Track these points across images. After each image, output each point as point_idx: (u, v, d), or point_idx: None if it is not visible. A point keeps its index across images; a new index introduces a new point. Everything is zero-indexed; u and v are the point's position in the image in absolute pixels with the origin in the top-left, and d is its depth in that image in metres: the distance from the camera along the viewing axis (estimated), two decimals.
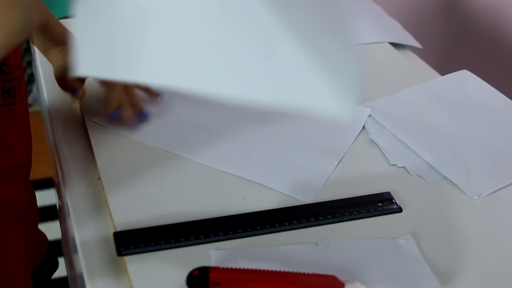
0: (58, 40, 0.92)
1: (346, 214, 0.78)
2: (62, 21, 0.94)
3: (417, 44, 1.25)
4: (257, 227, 0.75)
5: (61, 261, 1.03)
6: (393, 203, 0.80)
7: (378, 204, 0.80)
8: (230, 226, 0.75)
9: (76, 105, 0.99)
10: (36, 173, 1.24)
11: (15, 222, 0.82)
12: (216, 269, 0.67)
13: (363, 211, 0.79)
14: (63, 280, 1.58)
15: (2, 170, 0.76)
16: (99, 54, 0.50)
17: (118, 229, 0.74)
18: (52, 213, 1.90)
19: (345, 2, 0.57)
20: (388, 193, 0.82)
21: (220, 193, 0.81)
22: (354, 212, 0.79)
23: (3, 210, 0.79)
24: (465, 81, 1.08)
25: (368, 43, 1.22)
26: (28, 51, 2.13)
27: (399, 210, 0.80)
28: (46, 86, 1.05)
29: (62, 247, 0.94)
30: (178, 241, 0.73)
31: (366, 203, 0.80)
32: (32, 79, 2.23)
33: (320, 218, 0.77)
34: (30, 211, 0.89)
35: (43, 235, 0.99)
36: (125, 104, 0.90)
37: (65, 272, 1.02)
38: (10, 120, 0.77)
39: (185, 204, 0.79)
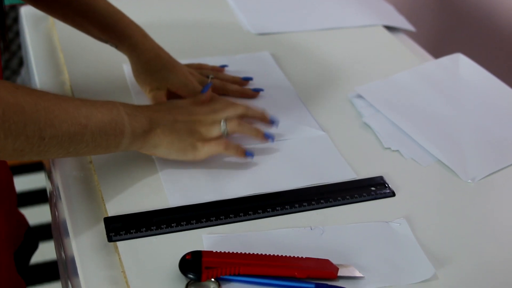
0: (123, 36, 0.92)
1: (339, 198, 0.78)
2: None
3: (410, 27, 1.24)
4: (249, 212, 0.75)
5: (46, 245, 1.02)
6: (386, 187, 0.80)
7: (371, 189, 0.80)
8: (222, 211, 0.75)
9: (67, 87, 0.98)
10: None
11: None
12: (209, 253, 0.66)
13: (356, 196, 0.78)
14: (49, 265, 1.58)
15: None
16: None
17: (110, 214, 0.74)
18: (37, 197, 1.89)
19: None
20: (381, 177, 0.81)
21: (215, 177, 0.81)
22: (347, 197, 0.78)
23: None
24: (459, 64, 1.07)
25: (362, 26, 1.21)
26: (18, 34, 2.11)
27: (392, 194, 0.79)
28: (36, 68, 1.04)
29: (52, 231, 0.94)
30: (169, 226, 0.72)
31: (359, 188, 0.80)
32: (22, 62, 2.21)
33: (313, 202, 0.77)
34: (9, 192, 0.89)
35: (21, 216, 0.99)
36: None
37: (50, 256, 1.01)
38: None
39: (177, 189, 0.78)
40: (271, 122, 0.87)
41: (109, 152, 0.73)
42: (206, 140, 0.79)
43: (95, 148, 0.70)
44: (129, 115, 0.73)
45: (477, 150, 0.88)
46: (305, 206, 0.76)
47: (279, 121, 0.88)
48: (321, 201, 0.77)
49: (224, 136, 0.81)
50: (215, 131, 0.80)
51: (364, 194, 0.79)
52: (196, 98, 0.85)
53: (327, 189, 0.79)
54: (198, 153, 0.78)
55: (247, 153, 0.81)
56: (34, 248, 1.03)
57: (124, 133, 0.72)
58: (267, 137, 0.84)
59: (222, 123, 0.80)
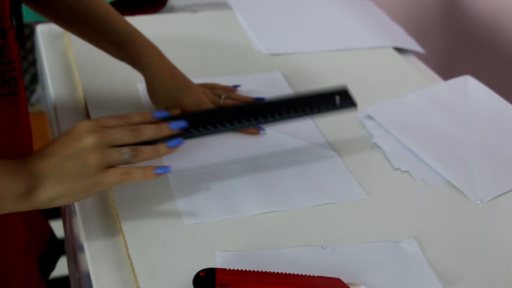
0: (139, 55, 0.93)
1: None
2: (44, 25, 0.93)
3: (419, 49, 1.25)
4: (225, 123, 0.78)
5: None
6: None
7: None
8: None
9: (82, 104, 1.00)
10: None
11: None
12: (223, 270, 0.67)
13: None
14: (61, 280, 1.59)
15: (2, 156, 0.75)
16: None
17: (124, 230, 0.75)
18: (49, 213, 1.90)
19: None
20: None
21: None
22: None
23: None
24: (468, 86, 1.08)
25: (372, 48, 1.23)
26: (31, 50, 2.14)
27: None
28: (52, 85, 1.06)
29: (65, 246, 0.95)
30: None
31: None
32: (35, 79, 2.24)
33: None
34: None
35: (45, 222, 0.99)
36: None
37: (62, 271, 1.02)
38: (11, 109, 0.78)
39: (191, 206, 0.80)
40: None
41: None
42: (105, 167, 0.69)
43: None
44: (9, 175, 0.65)
45: (486, 172, 0.89)
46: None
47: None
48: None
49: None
50: (115, 159, 0.70)
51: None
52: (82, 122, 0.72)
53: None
54: (102, 186, 0.69)
55: (159, 170, 0.72)
56: (59, 254, 1.05)
57: (3, 196, 0.65)
58: (171, 145, 0.74)
59: (125, 151, 0.70)
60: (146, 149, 0.72)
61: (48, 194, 0.67)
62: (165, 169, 0.73)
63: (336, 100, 0.84)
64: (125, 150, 0.70)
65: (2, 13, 0.73)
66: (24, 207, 0.67)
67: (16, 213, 0.82)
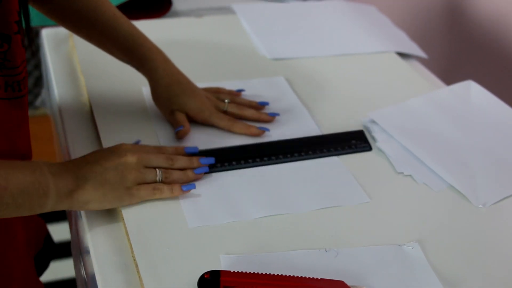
0: (144, 59, 0.95)
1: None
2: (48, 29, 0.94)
3: (422, 54, 1.26)
4: (248, 159, 0.87)
5: (59, 263, 1.04)
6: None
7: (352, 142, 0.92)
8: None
9: (87, 108, 1.01)
10: None
11: None
12: (227, 272, 0.68)
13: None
14: (64, 283, 1.60)
15: (3, 158, 0.76)
16: None
17: (129, 233, 0.75)
18: (55, 215, 1.92)
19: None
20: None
21: None
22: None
23: None
24: (470, 91, 1.09)
25: (375, 52, 1.23)
26: (35, 54, 2.15)
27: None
28: (57, 88, 1.07)
29: (71, 249, 0.96)
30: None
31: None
32: (39, 82, 2.25)
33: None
34: None
35: (40, 221, 1.01)
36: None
37: (64, 274, 1.03)
38: (14, 113, 0.78)
39: (196, 210, 0.80)
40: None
41: (34, 213, 0.72)
42: (140, 183, 0.79)
43: (17, 209, 0.70)
44: (54, 175, 0.72)
45: (488, 176, 0.89)
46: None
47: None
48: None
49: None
50: (149, 177, 0.80)
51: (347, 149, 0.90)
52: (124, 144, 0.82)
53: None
54: (133, 199, 0.79)
55: (185, 187, 0.81)
56: (53, 254, 1.06)
57: (48, 194, 0.71)
58: (198, 172, 0.84)
59: (158, 172, 0.80)
60: (176, 172, 0.82)
61: (87, 196, 0.74)
62: (191, 186, 0.82)
63: (352, 143, 0.92)
64: (158, 171, 0.81)
65: (8, 19, 0.74)
66: (63, 206, 0.73)
67: None
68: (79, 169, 0.75)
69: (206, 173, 0.86)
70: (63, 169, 0.74)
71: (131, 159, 0.79)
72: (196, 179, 0.84)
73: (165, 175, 0.81)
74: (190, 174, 0.83)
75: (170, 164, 0.83)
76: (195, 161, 0.85)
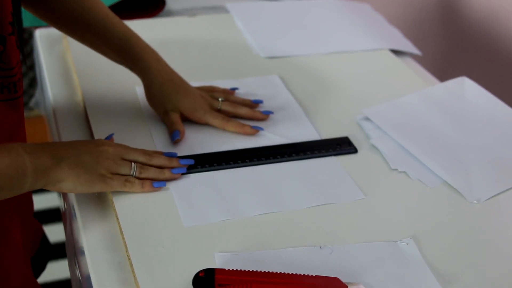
0: (137, 59, 0.94)
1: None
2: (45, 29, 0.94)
3: (416, 51, 1.26)
4: (238, 161, 0.87)
5: (55, 264, 1.04)
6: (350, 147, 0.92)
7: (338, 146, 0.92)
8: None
9: (81, 108, 1.01)
10: None
11: (13, 210, 0.84)
12: (222, 270, 0.68)
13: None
14: (60, 284, 1.60)
15: None
16: None
17: (124, 232, 0.75)
18: (50, 216, 1.92)
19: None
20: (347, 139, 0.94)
21: None
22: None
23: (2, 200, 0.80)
24: (464, 87, 1.09)
25: (369, 50, 1.23)
26: (29, 55, 2.14)
27: None
28: (51, 89, 1.06)
29: (66, 249, 0.96)
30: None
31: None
32: (33, 83, 2.24)
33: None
34: (25, 200, 0.92)
35: (36, 222, 1.01)
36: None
37: (60, 275, 1.03)
38: (10, 114, 0.78)
39: (191, 208, 0.80)
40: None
41: (15, 194, 0.72)
42: (113, 173, 0.79)
43: None
44: (30, 154, 0.72)
45: (483, 172, 0.89)
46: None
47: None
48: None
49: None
50: (123, 169, 0.80)
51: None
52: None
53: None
54: (105, 186, 0.78)
55: (157, 184, 0.82)
56: (50, 255, 1.06)
57: (26, 173, 0.71)
58: (177, 172, 0.84)
59: (133, 165, 0.81)
60: (152, 169, 0.83)
61: (62, 174, 0.75)
62: (162, 183, 0.82)
63: (337, 148, 0.92)
64: (133, 165, 0.81)
65: (2, 21, 0.73)
66: (40, 184, 0.74)
67: (14, 213, 0.83)
68: (55, 149, 0.75)
69: (203, 171, 0.85)
70: (38, 148, 0.74)
71: (108, 148, 0.80)
72: (173, 179, 0.84)
73: (140, 170, 0.81)
74: (167, 172, 0.83)
75: (147, 159, 0.83)
76: (174, 161, 0.85)
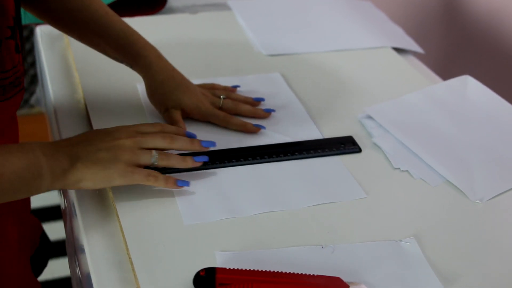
0: (138, 56, 0.94)
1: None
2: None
3: (419, 49, 1.26)
4: (240, 159, 0.86)
5: (57, 262, 1.04)
6: None
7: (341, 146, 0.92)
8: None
9: (82, 105, 1.00)
10: None
11: (6, 207, 0.83)
12: (223, 270, 0.67)
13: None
14: (61, 282, 1.60)
15: None
16: None
17: (125, 230, 0.75)
18: (51, 213, 1.91)
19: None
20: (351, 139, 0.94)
21: None
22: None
23: None
24: (467, 86, 1.09)
25: (371, 48, 1.23)
26: (30, 51, 2.14)
27: None
28: (52, 86, 1.06)
29: (66, 247, 0.95)
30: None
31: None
32: (34, 80, 2.24)
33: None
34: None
35: (35, 220, 1.00)
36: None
37: (61, 273, 1.03)
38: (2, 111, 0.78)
39: (192, 207, 0.80)
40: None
41: (32, 195, 0.72)
42: (135, 165, 0.77)
43: (15, 193, 0.71)
44: (47, 156, 0.71)
45: (485, 171, 0.89)
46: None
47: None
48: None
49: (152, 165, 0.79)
50: (143, 159, 0.78)
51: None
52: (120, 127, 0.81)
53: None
54: (127, 180, 0.76)
55: (180, 183, 0.80)
56: (50, 252, 1.05)
57: (43, 176, 0.71)
58: (198, 160, 0.82)
59: (154, 153, 0.78)
60: (174, 157, 0.80)
61: (79, 175, 0.73)
62: (186, 183, 0.80)
63: (341, 147, 0.91)
64: (154, 153, 0.78)
65: (0, 24, 0.73)
66: (58, 186, 0.73)
67: (9, 210, 0.83)
68: (72, 148, 0.74)
69: (204, 169, 0.85)
70: (55, 149, 0.73)
71: (125, 141, 0.77)
72: (195, 166, 0.82)
73: (161, 157, 0.79)
74: (189, 160, 0.81)
75: (168, 143, 0.80)
76: (196, 142, 0.82)
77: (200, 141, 0.84)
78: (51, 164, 0.71)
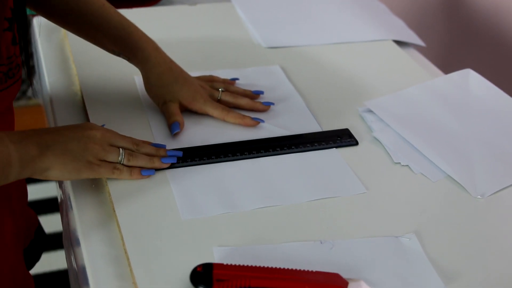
0: (135, 49, 0.93)
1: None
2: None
3: (420, 42, 1.25)
4: (238, 153, 0.86)
5: (54, 254, 1.04)
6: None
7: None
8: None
9: (79, 98, 0.99)
10: None
11: (2, 199, 0.83)
12: (220, 265, 0.67)
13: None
14: (59, 274, 1.59)
15: None
16: None
17: (121, 225, 0.74)
18: (48, 206, 1.91)
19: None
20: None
21: None
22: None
23: None
24: (468, 79, 1.07)
25: (372, 41, 1.22)
26: (28, 43, 2.13)
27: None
28: (48, 78, 1.05)
29: (63, 240, 0.94)
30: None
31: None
32: (32, 72, 2.23)
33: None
34: (19, 190, 0.90)
35: (31, 213, 1.00)
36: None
37: (59, 265, 1.02)
38: None
39: (189, 202, 0.79)
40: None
41: (1, 184, 0.71)
42: (101, 160, 0.78)
43: None
44: (15, 143, 0.71)
45: (487, 166, 0.88)
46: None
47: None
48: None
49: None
50: (111, 156, 0.79)
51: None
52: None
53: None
54: (93, 173, 0.77)
55: (145, 172, 0.80)
56: (44, 246, 1.05)
57: (11, 163, 0.70)
58: (170, 155, 0.83)
59: (121, 152, 0.79)
60: (141, 156, 0.81)
61: (47, 163, 0.73)
62: (150, 171, 0.81)
63: (338, 140, 0.91)
64: (121, 151, 0.79)
65: None
66: (26, 173, 0.72)
67: (4, 203, 0.82)
68: (41, 137, 0.74)
69: (202, 164, 0.84)
70: (24, 136, 0.72)
71: (95, 133, 0.78)
72: (162, 168, 0.82)
73: (128, 157, 0.80)
74: (156, 161, 0.82)
75: (135, 148, 0.81)
76: (161, 151, 0.84)
77: (167, 151, 0.84)
78: (20, 151, 0.70)
